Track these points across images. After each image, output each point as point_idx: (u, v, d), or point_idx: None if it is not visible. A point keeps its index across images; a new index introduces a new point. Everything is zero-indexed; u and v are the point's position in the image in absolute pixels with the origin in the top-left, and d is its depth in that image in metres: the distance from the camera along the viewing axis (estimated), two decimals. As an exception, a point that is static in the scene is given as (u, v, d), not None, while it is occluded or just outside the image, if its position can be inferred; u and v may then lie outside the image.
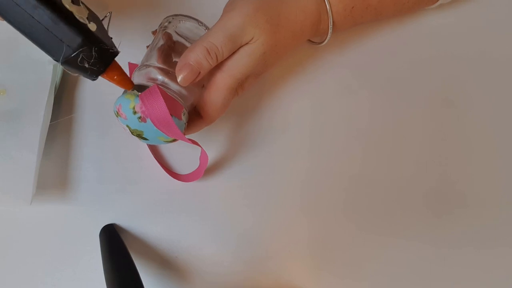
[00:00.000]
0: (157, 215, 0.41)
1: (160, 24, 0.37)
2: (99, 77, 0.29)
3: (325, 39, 0.38)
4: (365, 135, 0.41)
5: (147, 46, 0.37)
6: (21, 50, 0.40)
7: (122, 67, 0.30)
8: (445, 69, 0.42)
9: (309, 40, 0.40)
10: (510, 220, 0.41)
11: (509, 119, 0.42)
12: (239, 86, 0.37)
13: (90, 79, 0.29)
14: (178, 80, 0.32)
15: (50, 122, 0.39)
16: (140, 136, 0.34)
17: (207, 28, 0.36)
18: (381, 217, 0.41)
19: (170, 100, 0.32)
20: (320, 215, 0.41)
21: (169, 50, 0.36)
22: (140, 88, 0.32)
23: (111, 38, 0.29)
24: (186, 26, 0.36)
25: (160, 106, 0.31)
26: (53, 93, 0.40)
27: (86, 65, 0.27)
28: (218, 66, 0.34)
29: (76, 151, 0.41)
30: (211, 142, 0.41)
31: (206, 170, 0.39)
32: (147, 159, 0.41)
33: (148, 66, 0.34)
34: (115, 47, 0.29)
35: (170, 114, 0.31)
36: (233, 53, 0.33)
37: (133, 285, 0.34)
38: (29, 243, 0.41)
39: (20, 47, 0.40)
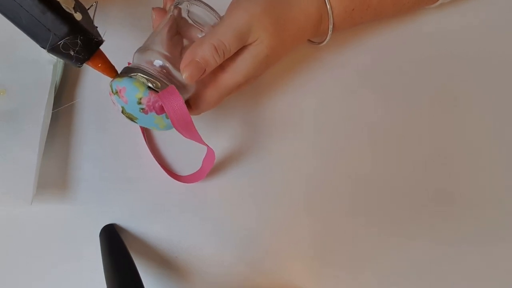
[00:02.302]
0: (157, 215, 0.41)
1: (171, 5, 0.36)
2: (85, 64, 0.30)
3: (324, 40, 0.38)
4: (366, 135, 0.41)
5: (153, 9, 0.36)
6: (21, 50, 0.40)
7: (119, 58, 0.31)
8: (446, 69, 0.42)
9: (309, 40, 0.40)
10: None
11: None
12: (237, 87, 0.36)
13: (75, 66, 0.30)
14: (184, 77, 0.32)
15: (52, 110, 0.39)
16: (131, 119, 0.34)
17: (216, 14, 0.35)
18: (382, 217, 0.41)
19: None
20: (321, 215, 0.41)
21: (176, 33, 0.35)
22: (135, 70, 0.32)
23: (97, 27, 0.31)
24: (196, 10, 0.35)
25: (181, 109, 0.31)
26: (53, 93, 0.40)
27: (72, 53, 0.29)
28: (221, 66, 0.34)
29: (76, 150, 0.41)
30: (211, 141, 0.41)
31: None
32: (147, 158, 0.41)
33: (152, 50, 0.33)
34: (100, 36, 0.30)
35: None
36: (237, 54, 0.33)
37: (133, 285, 0.34)
38: (29, 243, 0.41)
39: (20, 47, 0.40)
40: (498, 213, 0.41)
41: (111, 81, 0.33)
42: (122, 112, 0.33)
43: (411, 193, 0.41)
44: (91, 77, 0.42)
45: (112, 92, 0.33)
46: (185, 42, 0.36)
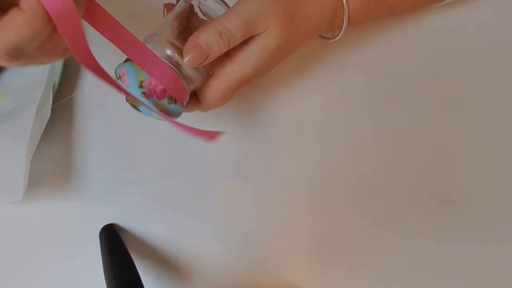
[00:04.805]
0: (157, 215, 0.41)
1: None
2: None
3: (337, 35, 0.38)
4: (366, 135, 0.41)
5: (165, 5, 0.35)
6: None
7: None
8: (447, 69, 0.42)
9: (321, 36, 0.40)
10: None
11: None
12: (246, 81, 0.35)
13: None
14: (185, 60, 0.31)
15: (52, 105, 0.39)
16: (135, 107, 0.33)
17: (228, 7, 0.34)
18: (383, 217, 0.41)
19: (177, 83, 0.31)
20: (321, 215, 0.41)
21: (187, 27, 0.34)
22: None
23: None
24: (207, 3, 0.34)
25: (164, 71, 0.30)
26: (51, 92, 0.39)
27: None
28: (230, 56, 0.33)
29: (76, 150, 0.41)
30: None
31: (208, 169, 0.39)
32: (147, 158, 0.41)
33: (160, 37, 0.32)
34: None
35: (174, 99, 0.31)
36: (245, 44, 0.32)
37: (133, 285, 0.34)
38: (29, 243, 0.41)
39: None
40: (498, 213, 0.41)
41: (116, 67, 0.32)
42: (126, 99, 0.33)
43: (412, 193, 0.41)
44: (91, 76, 0.42)
45: (116, 77, 0.32)
46: None
